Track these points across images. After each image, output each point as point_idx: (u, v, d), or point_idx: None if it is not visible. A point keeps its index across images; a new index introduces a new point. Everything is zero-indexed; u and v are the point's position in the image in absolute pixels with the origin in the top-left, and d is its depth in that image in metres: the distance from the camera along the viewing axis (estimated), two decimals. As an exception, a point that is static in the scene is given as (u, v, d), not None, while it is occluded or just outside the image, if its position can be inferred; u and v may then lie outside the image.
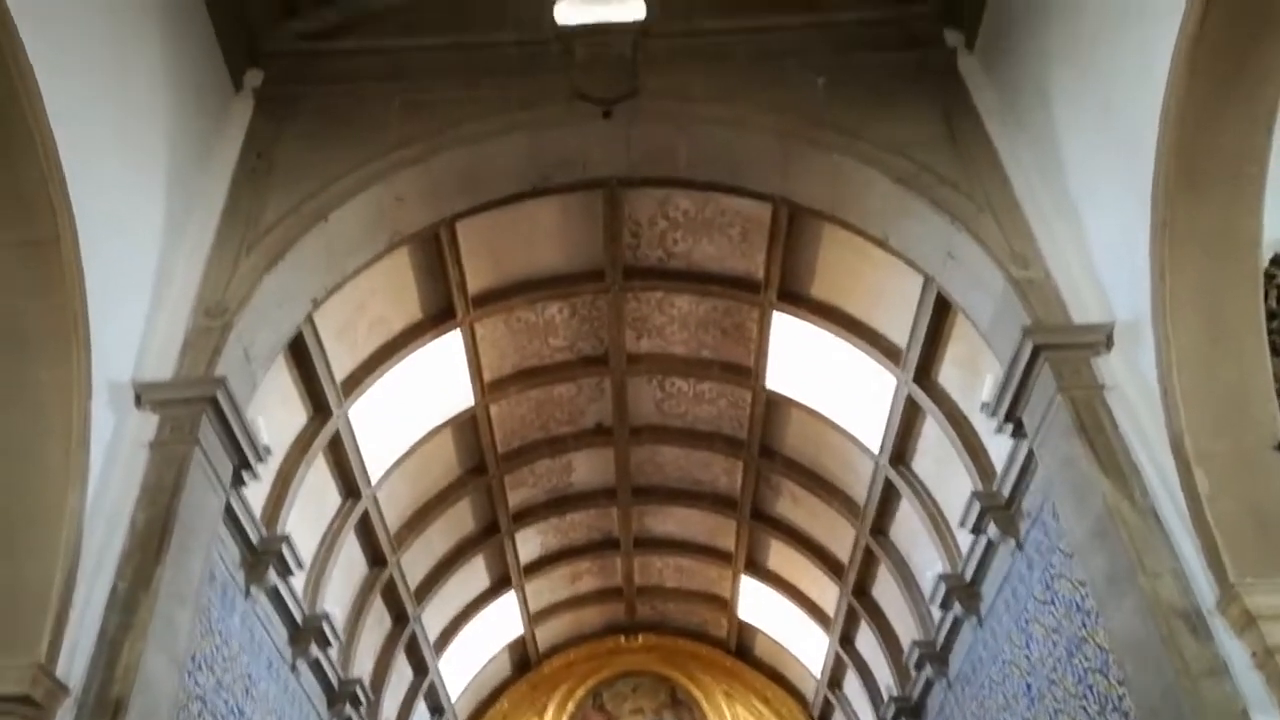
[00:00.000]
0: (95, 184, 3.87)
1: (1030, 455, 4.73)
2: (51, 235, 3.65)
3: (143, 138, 4.48)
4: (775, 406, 7.10)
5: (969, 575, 5.71)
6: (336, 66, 5.63)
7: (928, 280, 5.25)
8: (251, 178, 5.23)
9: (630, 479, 8.04)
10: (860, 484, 6.91)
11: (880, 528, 6.98)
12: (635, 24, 5.57)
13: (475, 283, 6.16)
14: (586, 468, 7.91)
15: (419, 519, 7.08)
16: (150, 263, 4.51)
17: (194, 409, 4.33)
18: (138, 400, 4.29)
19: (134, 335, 4.39)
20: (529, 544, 8.41)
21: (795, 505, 7.74)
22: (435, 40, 5.72)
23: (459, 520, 7.56)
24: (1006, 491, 5.09)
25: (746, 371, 6.93)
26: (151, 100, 4.57)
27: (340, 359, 5.71)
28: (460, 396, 6.69)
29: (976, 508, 5.25)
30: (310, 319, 5.31)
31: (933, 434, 5.94)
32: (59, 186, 3.60)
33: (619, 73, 5.43)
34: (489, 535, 7.91)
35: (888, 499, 6.72)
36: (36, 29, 3.52)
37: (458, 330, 6.28)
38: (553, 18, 5.64)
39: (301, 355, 5.43)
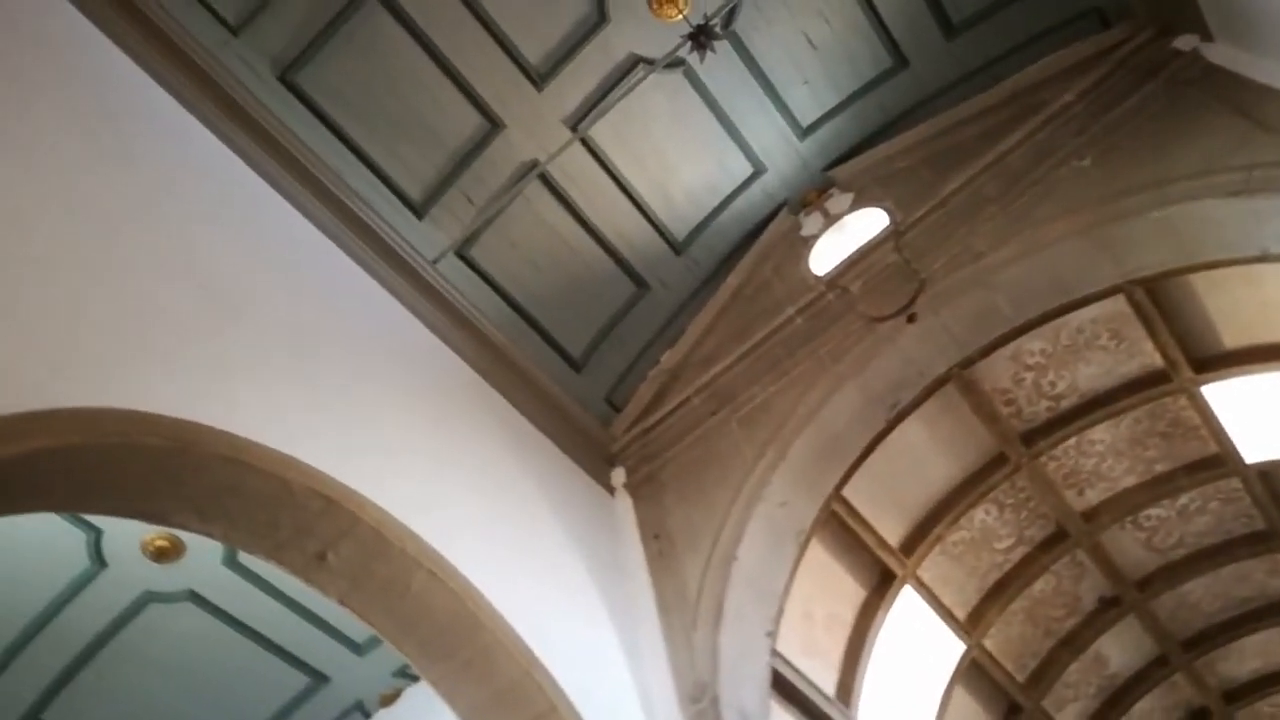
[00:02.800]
0: (559, 647, 4.31)
1: None
2: (549, 708, 4.08)
3: (576, 588, 5.00)
4: (1272, 477, 6.06)
5: None
6: (671, 429, 6.05)
7: (1340, 260, 4.47)
8: (661, 560, 5.57)
9: (1172, 635, 6.99)
10: None
11: None
12: (885, 231, 5.63)
13: (892, 534, 5.99)
14: (1118, 649, 6.99)
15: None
16: (626, 683, 4.81)
17: (728, 798, 4.37)
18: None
19: (644, 755, 4.62)
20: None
21: (1379, 565, 6.31)
22: (733, 355, 6.04)
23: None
24: None
25: (1216, 460, 6.05)
26: (564, 550, 5.13)
27: (821, 675, 5.61)
28: (949, 648, 6.30)
29: None
30: (775, 652, 5.33)
31: None
32: (538, 669, 4.10)
33: (899, 279, 5.43)
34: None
35: None
36: (477, 567, 4.19)
37: (906, 586, 6.05)
38: (813, 274, 5.85)
39: (787, 689, 5.38)
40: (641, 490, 6.05)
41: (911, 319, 5.37)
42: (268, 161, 4.63)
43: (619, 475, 6.24)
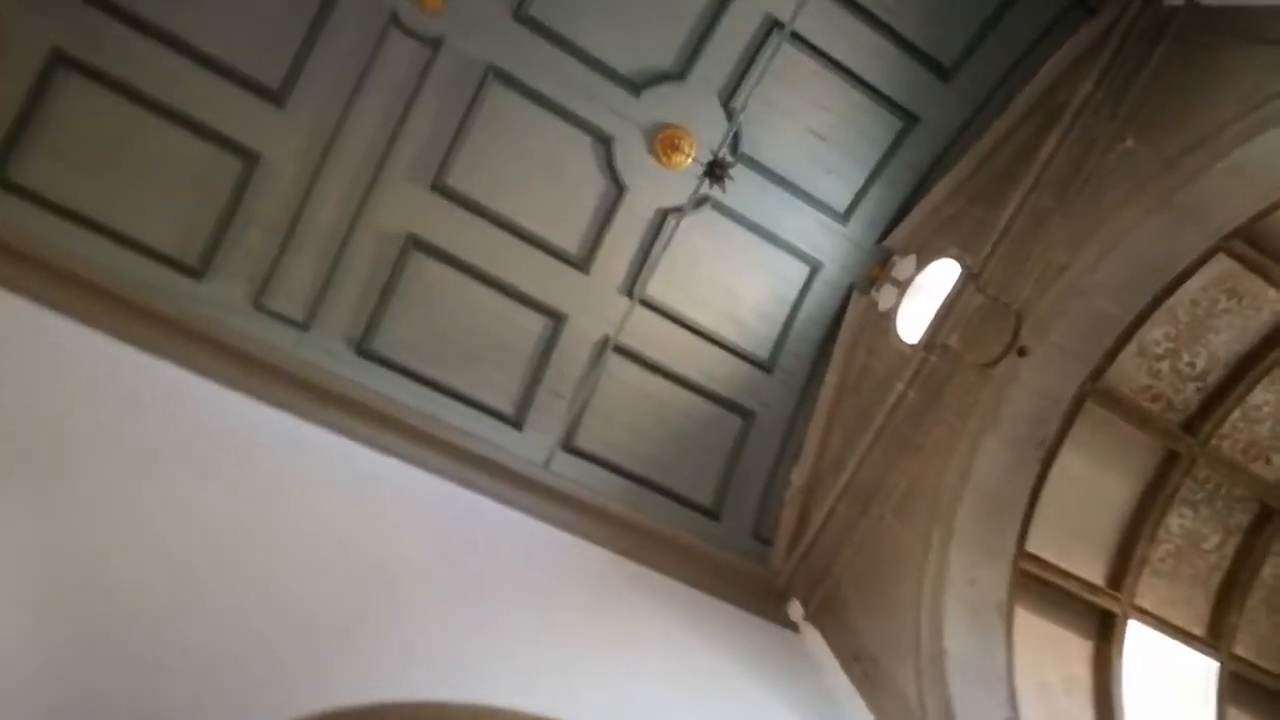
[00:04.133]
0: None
1: None
2: None
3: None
4: None
5: None
6: (828, 544, 5.86)
7: None
8: (869, 681, 5.29)
9: None
10: None
11: None
12: (961, 278, 5.55)
13: (1094, 573, 5.62)
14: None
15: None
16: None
17: None
18: None
19: None
20: None
21: None
22: (861, 450, 5.88)
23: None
24: None
25: (1397, 379, 5.61)
26: (767, 704, 4.93)
27: (1083, 744, 5.19)
28: (1201, 669, 5.78)
29: None
30: (1022, 735, 4.96)
31: None
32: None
33: (994, 318, 5.30)
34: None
35: None
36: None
37: (1130, 621, 5.63)
38: (906, 344, 5.75)
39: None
40: (823, 617, 5.82)
41: (1022, 352, 5.20)
42: (371, 430, 4.82)
43: (795, 609, 6.04)
